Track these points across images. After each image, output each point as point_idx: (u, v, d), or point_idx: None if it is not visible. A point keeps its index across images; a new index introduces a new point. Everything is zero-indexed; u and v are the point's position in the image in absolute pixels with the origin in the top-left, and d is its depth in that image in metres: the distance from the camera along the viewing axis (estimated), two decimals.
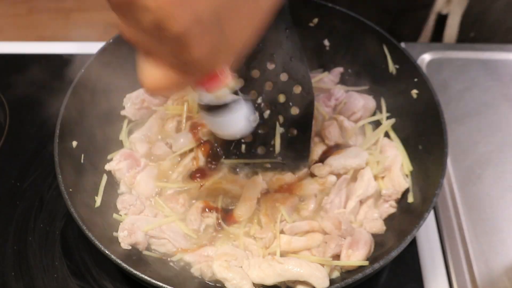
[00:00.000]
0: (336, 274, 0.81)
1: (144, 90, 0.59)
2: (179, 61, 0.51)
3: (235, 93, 0.67)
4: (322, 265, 0.79)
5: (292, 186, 0.91)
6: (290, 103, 0.89)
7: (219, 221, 0.87)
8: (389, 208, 0.89)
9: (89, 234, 0.75)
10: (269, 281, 0.77)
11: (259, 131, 0.92)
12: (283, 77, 0.88)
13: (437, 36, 1.30)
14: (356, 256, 0.80)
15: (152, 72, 0.54)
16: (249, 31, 0.55)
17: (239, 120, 0.70)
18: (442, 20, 1.26)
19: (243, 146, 0.93)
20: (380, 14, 1.21)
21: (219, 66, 0.57)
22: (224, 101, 0.67)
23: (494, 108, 1.14)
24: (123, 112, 0.99)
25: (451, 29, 1.27)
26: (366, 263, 0.79)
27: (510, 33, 1.31)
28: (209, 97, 0.66)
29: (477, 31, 1.27)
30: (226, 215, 0.88)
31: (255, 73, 0.88)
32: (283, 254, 0.82)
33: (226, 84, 0.63)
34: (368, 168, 0.92)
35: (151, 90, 0.56)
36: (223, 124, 0.70)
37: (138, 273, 0.72)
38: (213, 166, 0.94)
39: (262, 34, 0.56)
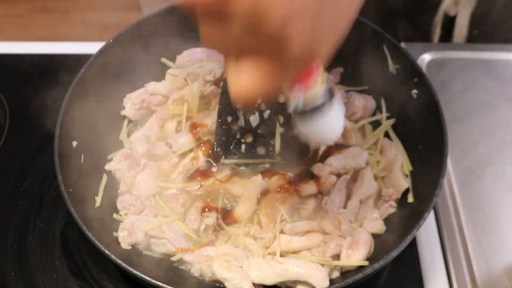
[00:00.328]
0: (336, 274, 0.81)
1: (234, 100, 0.50)
2: (277, 57, 0.46)
3: (329, 93, 0.62)
4: (322, 265, 0.79)
5: (292, 186, 0.91)
6: None
7: (219, 221, 0.87)
8: (389, 208, 0.88)
9: (89, 234, 0.75)
10: (269, 281, 0.77)
11: (259, 131, 0.92)
12: None
13: (445, 37, 1.30)
14: (356, 256, 0.79)
15: (243, 78, 0.48)
16: (348, 16, 0.50)
17: (335, 120, 0.65)
18: (447, 21, 1.26)
19: (243, 146, 0.93)
20: (384, 16, 1.20)
21: (318, 58, 0.51)
22: (319, 102, 0.62)
23: (494, 108, 1.14)
24: (123, 112, 0.99)
25: (460, 29, 1.27)
26: (366, 263, 0.79)
27: (511, 31, 1.31)
28: (302, 100, 0.61)
29: (480, 29, 1.27)
30: (226, 215, 0.88)
31: None
32: (283, 254, 0.82)
33: (320, 80, 0.58)
34: (368, 168, 0.92)
35: (243, 99, 0.49)
36: (320, 127, 0.65)
37: (138, 273, 0.72)
38: (213, 166, 0.94)
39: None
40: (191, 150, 0.95)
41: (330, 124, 0.65)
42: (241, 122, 0.92)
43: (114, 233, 0.83)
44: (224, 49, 0.49)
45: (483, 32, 1.29)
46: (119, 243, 0.81)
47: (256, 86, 0.48)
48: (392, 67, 0.99)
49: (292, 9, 0.43)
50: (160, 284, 0.71)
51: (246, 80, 0.48)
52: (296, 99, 0.60)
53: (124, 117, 1.00)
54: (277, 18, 0.43)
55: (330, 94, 0.63)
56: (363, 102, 1.00)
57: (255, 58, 0.48)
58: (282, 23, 0.43)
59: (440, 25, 1.28)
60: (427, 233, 0.95)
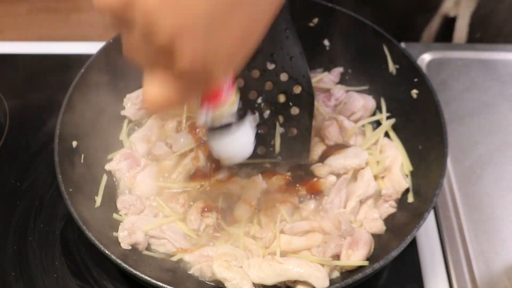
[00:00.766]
0: (336, 274, 0.81)
1: (145, 108, 0.56)
2: (173, 70, 0.49)
3: (240, 113, 0.65)
4: (322, 265, 0.79)
5: (292, 186, 0.91)
6: (290, 103, 0.89)
7: (219, 221, 0.87)
8: (389, 208, 0.89)
9: (89, 234, 0.75)
10: (269, 281, 0.77)
11: (259, 131, 0.92)
12: (283, 77, 0.88)
13: (444, 38, 1.30)
14: (356, 256, 0.79)
15: (152, 87, 0.52)
16: (248, 38, 0.52)
17: (242, 142, 0.68)
18: (448, 22, 1.27)
19: None
20: (384, 17, 1.20)
21: (218, 77, 0.54)
22: (227, 122, 0.64)
23: (494, 108, 1.14)
24: (123, 112, 0.99)
25: (460, 31, 1.27)
26: (366, 263, 0.79)
27: None
28: (210, 118, 0.63)
29: (483, 31, 1.27)
30: (226, 215, 0.88)
31: (255, 73, 0.88)
32: (283, 254, 0.82)
33: (229, 102, 0.61)
34: (368, 168, 0.92)
35: (151, 107, 0.53)
36: (226, 146, 0.68)
37: (138, 273, 0.72)
38: (213, 166, 0.94)
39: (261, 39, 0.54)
40: (191, 150, 0.95)
41: (238, 144, 0.68)
42: None
43: (114, 233, 0.83)
44: (138, 59, 0.52)
45: (486, 35, 1.29)
46: (119, 243, 0.81)
47: (163, 97, 0.52)
48: (392, 67, 0.99)
49: (179, 25, 0.45)
50: (160, 284, 0.71)
51: (155, 91, 0.52)
52: (204, 115, 0.63)
53: (124, 117, 1.00)
54: (165, 31, 0.45)
55: (240, 116, 0.66)
56: (363, 102, 1.00)
57: (162, 71, 0.51)
58: (170, 37, 0.45)
59: (437, 26, 1.28)
60: (427, 233, 0.95)
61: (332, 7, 1.01)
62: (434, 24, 1.27)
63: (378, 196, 0.91)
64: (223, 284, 0.78)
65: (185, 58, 0.47)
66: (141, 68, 0.53)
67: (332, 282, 0.77)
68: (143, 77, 0.54)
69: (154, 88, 0.52)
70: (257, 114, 0.91)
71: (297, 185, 0.91)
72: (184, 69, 0.48)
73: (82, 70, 0.92)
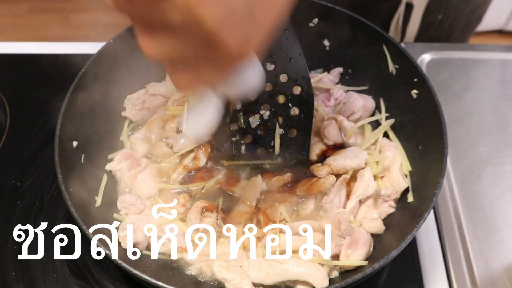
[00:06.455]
0: (335, 273, 0.81)
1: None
2: (211, 58, 0.50)
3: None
4: (322, 265, 0.79)
5: (291, 186, 0.91)
6: (290, 104, 0.89)
7: (219, 221, 0.87)
8: (389, 208, 0.89)
9: (89, 234, 0.75)
10: (269, 281, 0.77)
11: (259, 132, 0.92)
12: (283, 78, 0.88)
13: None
14: (355, 256, 0.80)
15: (182, 80, 0.55)
16: (278, 12, 0.53)
17: (251, 75, 0.66)
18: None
19: (243, 147, 0.93)
20: (350, 4, 1.19)
21: (250, 54, 0.54)
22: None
23: (493, 108, 1.14)
24: (124, 113, 0.99)
25: (414, 22, 1.25)
26: (365, 263, 0.79)
27: (473, 13, 1.30)
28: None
29: (444, 12, 1.26)
30: (226, 215, 0.88)
31: None
32: (282, 254, 0.82)
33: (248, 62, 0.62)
34: (368, 168, 0.92)
35: (184, 91, 0.57)
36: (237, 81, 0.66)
37: (138, 273, 0.72)
38: (213, 167, 0.94)
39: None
40: (191, 151, 0.95)
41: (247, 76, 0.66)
42: (241, 123, 0.91)
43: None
44: (163, 59, 0.52)
45: (448, 16, 1.27)
46: (119, 243, 0.81)
47: (192, 84, 0.56)
48: (392, 67, 0.99)
49: (225, 14, 0.45)
50: (160, 283, 0.71)
51: (184, 81, 0.55)
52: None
53: (125, 118, 1.00)
54: (210, 22, 0.45)
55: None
56: (362, 102, 1.00)
57: (188, 64, 0.52)
58: (215, 27, 0.45)
59: (402, 15, 1.25)
60: (427, 233, 0.96)
61: (332, 7, 1.01)
62: (400, 13, 1.25)
63: (377, 196, 0.91)
64: (223, 284, 0.78)
65: (231, 44, 0.48)
66: (164, 64, 0.54)
67: (331, 282, 0.77)
68: (167, 72, 0.56)
69: (183, 80, 0.55)
70: (257, 115, 0.91)
71: (297, 185, 0.91)
72: (230, 55, 0.49)
73: (82, 70, 0.92)
